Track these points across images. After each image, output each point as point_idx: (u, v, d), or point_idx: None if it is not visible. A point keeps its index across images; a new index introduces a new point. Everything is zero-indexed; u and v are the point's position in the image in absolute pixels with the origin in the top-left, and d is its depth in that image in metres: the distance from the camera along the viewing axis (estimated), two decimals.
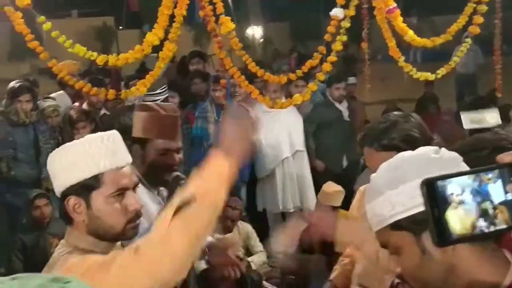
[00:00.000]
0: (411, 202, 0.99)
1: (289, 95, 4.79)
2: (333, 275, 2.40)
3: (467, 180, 0.83)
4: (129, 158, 1.56)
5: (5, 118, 4.42)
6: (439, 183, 0.84)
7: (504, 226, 0.82)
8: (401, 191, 1.00)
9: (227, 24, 3.22)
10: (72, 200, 1.48)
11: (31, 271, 0.82)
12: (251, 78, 4.54)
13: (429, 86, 8.26)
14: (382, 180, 1.05)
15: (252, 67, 3.70)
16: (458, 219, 0.83)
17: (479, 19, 3.81)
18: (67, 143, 1.54)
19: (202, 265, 3.47)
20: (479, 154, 1.28)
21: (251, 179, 5.26)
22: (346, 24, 3.56)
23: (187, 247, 1.33)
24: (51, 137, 4.61)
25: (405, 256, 1.03)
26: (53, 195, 4.34)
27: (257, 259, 4.64)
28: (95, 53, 3.21)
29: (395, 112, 2.07)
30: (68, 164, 1.48)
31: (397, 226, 1.01)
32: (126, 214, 1.51)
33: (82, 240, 1.50)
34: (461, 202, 0.83)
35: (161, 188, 2.30)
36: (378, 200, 1.04)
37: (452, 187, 0.83)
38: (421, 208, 0.97)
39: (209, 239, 2.70)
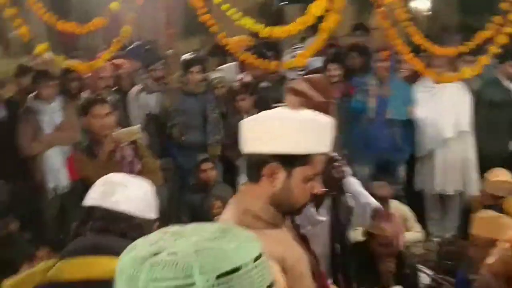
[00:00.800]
0: None
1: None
2: (490, 259, 2.22)
3: None
4: None
5: (179, 87, 4.82)
6: None
7: None
8: None
9: None
10: (275, 166, 1.54)
11: None
12: (416, 52, 4.32)
13: None
14: None
15: (418, 39, 3.52)
16: None
17: None
18: (286, 113, 1.58)
19: (359, 236, 3.49)
20: None
21: (411, 158, 5.08)
22: None
23: None
24: (216, 107, 4.91)
25: None
26: (218, 161, 4.67)
27: (411, 236, 4.49)
28: (261, 26, 3.32)
29: None
30: (287, 134, 1.52)
31: None
32: (310, 195, 1.59)
33: (256, 204, 1.55)
34: None
35: None
36: None
37: None
38: None
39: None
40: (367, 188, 3.26)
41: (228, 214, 1.60)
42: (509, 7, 3.31)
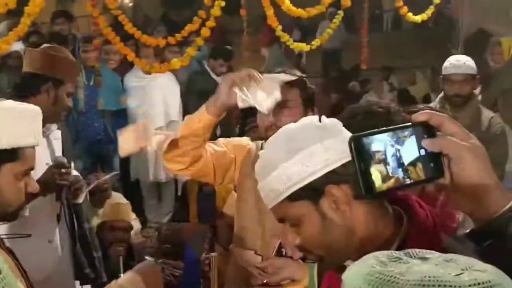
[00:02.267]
0: (306, 171, 1.01)
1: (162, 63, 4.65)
2: None
3: (386, 137, 0.86)
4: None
5: None
6: (365, 139, 0.86)
7: (418, 179, 0.87)
8: (296, 161, 1.01)
9: None
10: None
11: None
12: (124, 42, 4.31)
13: (297, 60, 8.65)
14: (274, 155, 1.05)
15: (129, 28, 3.52)
16: (380, 173, 0.86)
17: None
18: None
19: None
20: (355, 119, 1.41)
21: None
22: None
23: None
24: None
25: (306, 225, 1.04)
26: None
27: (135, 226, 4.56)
28: None
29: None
30: None
31: (295, 196, 1.02)
32: (25, 195, 1.43)
33: None
34: (382, 157, 0.86)
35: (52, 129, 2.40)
36: (272, 176, 1.03)
37: (375, 144, 0.86)
38: (317, 175, 1.00)
39: None
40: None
41: None
42: (211, 3, 3.58)
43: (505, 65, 4.78)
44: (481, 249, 0.86)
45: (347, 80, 8.05)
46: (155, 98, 4.95)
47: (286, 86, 1.94)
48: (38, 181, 1.80)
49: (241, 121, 6.65)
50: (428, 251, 0.73)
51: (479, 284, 0.64)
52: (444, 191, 0.88)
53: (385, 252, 0.73)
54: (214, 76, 5.24)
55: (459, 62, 3.38)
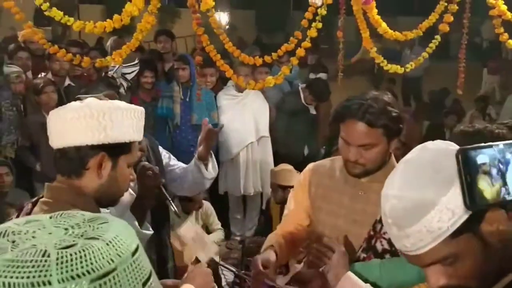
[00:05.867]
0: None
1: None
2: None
3: (493, 152, 0.88)
4: None
5: None
6: (472, 152, 0.88)
7: None
8: (455, 192, 0.93)
9: (207, 1, 3.20)
10: (101, 157, 1.51)
11: None
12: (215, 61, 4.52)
13: (390, 85, 8.59)
14: (425, 193, 0.95)
15: (229, 47, 3.70)
16: (485, 187, 0.87)
17: (449, 17, 3.94)
18: (102, 103, 1.53)
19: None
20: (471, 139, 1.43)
21: None
22: (323, 11, 3.61)
23: None
24: (13, 104, 4.47)
25: (466, 260, 0.96)
26: (13, 164, 4.24)
27: (215, 237, 4.72)
28: (72, 19, 3.13)
29: (373, 92, 1.93)
30: (110, 123, 1.49)
31: (458, 231, 0.94)
32: (128, 183, 1.62)
33: (81, 200, 1.49)
34: (489, 172, 0.87)
35: None
36: (430, 215, 0.94)
37: (481, 157, 0.88)
38: None
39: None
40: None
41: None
42: (307, 24, 3.68)
43: None
44: None
45: (439, 107, 7.87)
46: (246, 115, 5.12)
47: (368, 127, 1.81)
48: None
49: (328, 142, 6.69)
50: None
51: None
52: None
53: None
54: (303, 100, 5.34)
55: None
